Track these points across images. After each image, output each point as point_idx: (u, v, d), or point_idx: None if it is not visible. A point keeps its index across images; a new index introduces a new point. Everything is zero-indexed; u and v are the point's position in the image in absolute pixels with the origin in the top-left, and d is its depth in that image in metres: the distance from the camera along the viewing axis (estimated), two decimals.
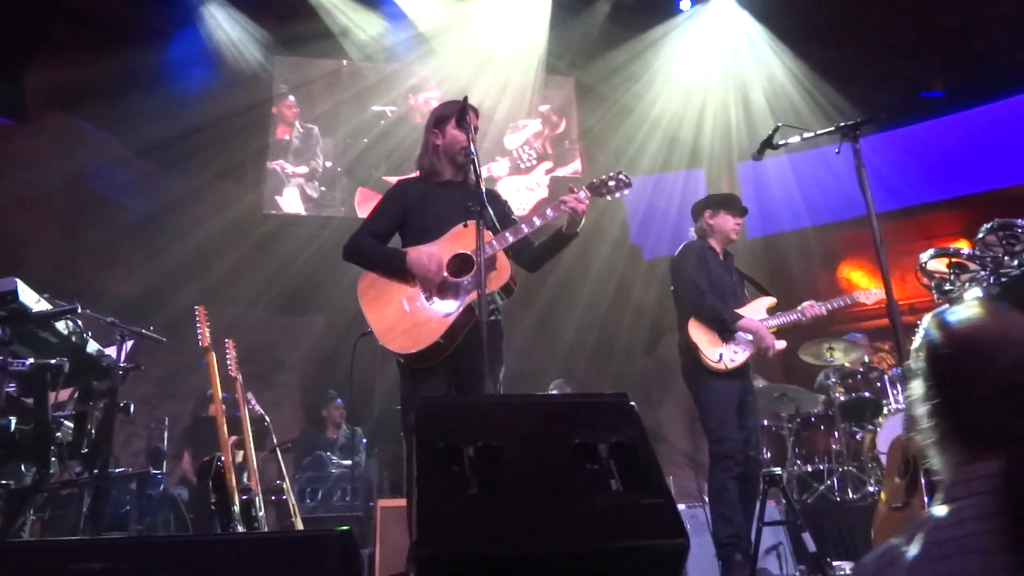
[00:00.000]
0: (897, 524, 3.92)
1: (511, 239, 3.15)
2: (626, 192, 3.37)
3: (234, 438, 6.13)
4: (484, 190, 3.06)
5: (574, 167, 10.12)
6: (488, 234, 3.06)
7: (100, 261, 7.53)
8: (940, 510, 1.10)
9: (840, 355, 6.71)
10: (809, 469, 6.44)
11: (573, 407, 2.05)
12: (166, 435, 6.57)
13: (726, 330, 4.27)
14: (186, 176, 8.43)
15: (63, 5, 8.39)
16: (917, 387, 1.29)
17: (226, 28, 9.15)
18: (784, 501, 4.06)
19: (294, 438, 7.30)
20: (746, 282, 4.72)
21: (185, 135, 8.14)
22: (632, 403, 2.08)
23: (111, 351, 3.81)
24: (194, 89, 8.73)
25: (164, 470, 6.17)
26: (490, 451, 1.85)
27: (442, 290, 3.13)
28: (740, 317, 4.27)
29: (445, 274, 3.15)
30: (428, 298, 3.15)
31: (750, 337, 4.25)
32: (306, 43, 9.41)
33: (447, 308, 3.11)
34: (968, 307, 1.34)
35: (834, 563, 4.26)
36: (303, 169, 9.62)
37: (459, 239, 3.22)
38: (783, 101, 9.36)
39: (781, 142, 3.74)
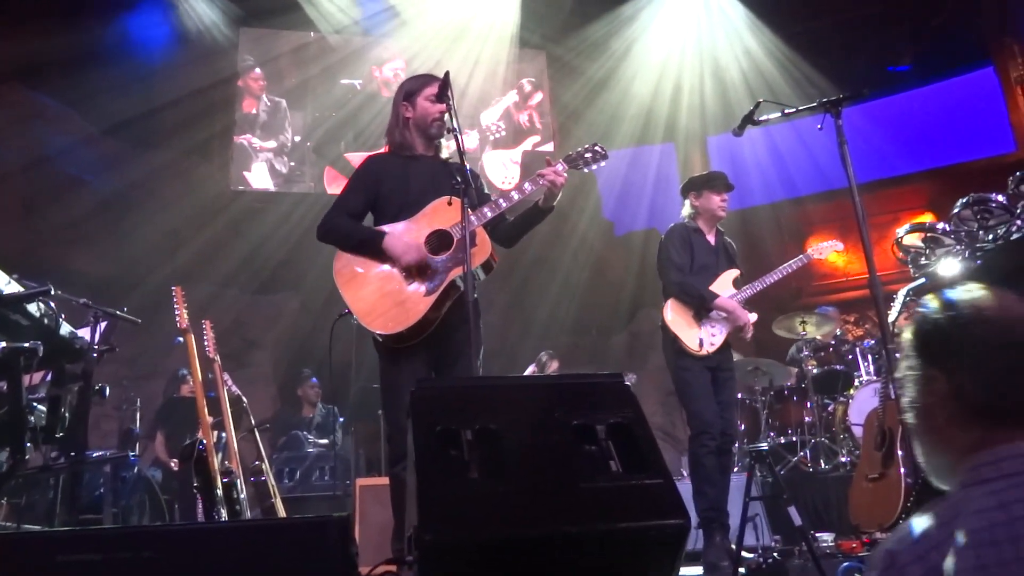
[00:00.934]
0: (874, 494, 4.00)
1: (490, 214, 3.12)
2: (603, 164, 3.37)
3: (211, 419, 6.09)
4: (468, 167, 3.03)
5: (548, 141, 10.08)
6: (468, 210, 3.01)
7: (65, 240, 7.34)
8: (974, 492, 1.06)
9: (812, 328, 6.80)
10: (782, 441, 6.56)
11: (570, 388, 2.03)
12: (138, 416, 6.47)
13: (704, 308, 4.29)
14: (152, 153, 8.23)
15: None
16: (912, 368, 1.23)
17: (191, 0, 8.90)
18: (768, 476, 4.10)
19: (270, 418, 7.25)
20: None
21: (150, 111, 7.95)
22: (628, 383, 2.08)
23: (84, 333, 3.72)
24: (158, 63, 8.50)
25: (137, 452, 6.08)
26: (488, 434, 1.84)
27: (422, 269, 3.08)
28: (716, 296, 4.29)
29: (423, 250, 3.10)
30: (407, 278, 3.10)
31: (724, 315, 4.29)
32: (273, 15, 9.20)
33: (427, 287, 3.06)
34: (968, 288, 1.27)
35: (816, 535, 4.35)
36: (271, 144, 9.44)
37: (436, 215, 3.17)
38: (755, 75, 9.38)
39: (762, 118, 3.73)
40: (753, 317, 4.36)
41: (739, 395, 6.79)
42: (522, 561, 1.66)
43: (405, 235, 3.15)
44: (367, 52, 9.71)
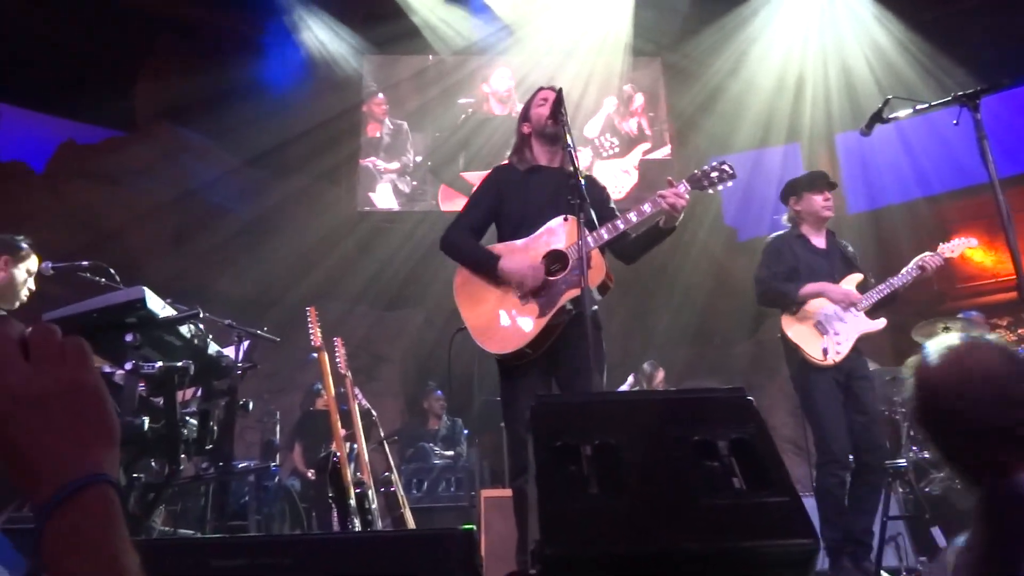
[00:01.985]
0: None
1: (607, 236, 3.08)
2: (730, 184, 3.18)
3: (343, 432, 6.38)
4: (583, 181, 3.00)
5: (664, 150, 9.96)
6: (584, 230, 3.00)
7: (210, 265, 7.90)
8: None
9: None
10: (926, 455, 6.15)
11: (690, 403, 2.01)
12: (278, 428, 6.85)
13: (794, 304, 4.11)
14: (286, 180, 8.75)
15: (166, 19, 8.80)
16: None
17: (318, 33, 9.41)
18: (909, 493, 3.88)
19: (398, 430, 7.49)
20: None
21: (283, 141, 8.45)
22: (750, 398, 2.03)
23: (229, 351, 3.99)
24: (290, 95, 9.04)
25: (277, 462, 6.44)
26: (607, 449, 1.84)
27: (537, 289, 3.10)
28: (801, 287, 4.09)
29: (543, 276, 3.11)
30: (522, 297, 3.13)
31: (842, 317, 4.05)
32: (394, 42, 9.59)
33: (540, 308, 3.08)
34: (943, 343, 1.36)
35: None
36: (395, 165, 9.81)
37: (554, 234, 3.19)
38: (884, 68, 8.92)
39: (892, 115, 3.55)
40: (881, 323, 4.13)
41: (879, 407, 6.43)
42: None
43: (521, 256, 3.18)
44: (483, 71, 9.94)
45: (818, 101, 9.54)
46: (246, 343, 4.06)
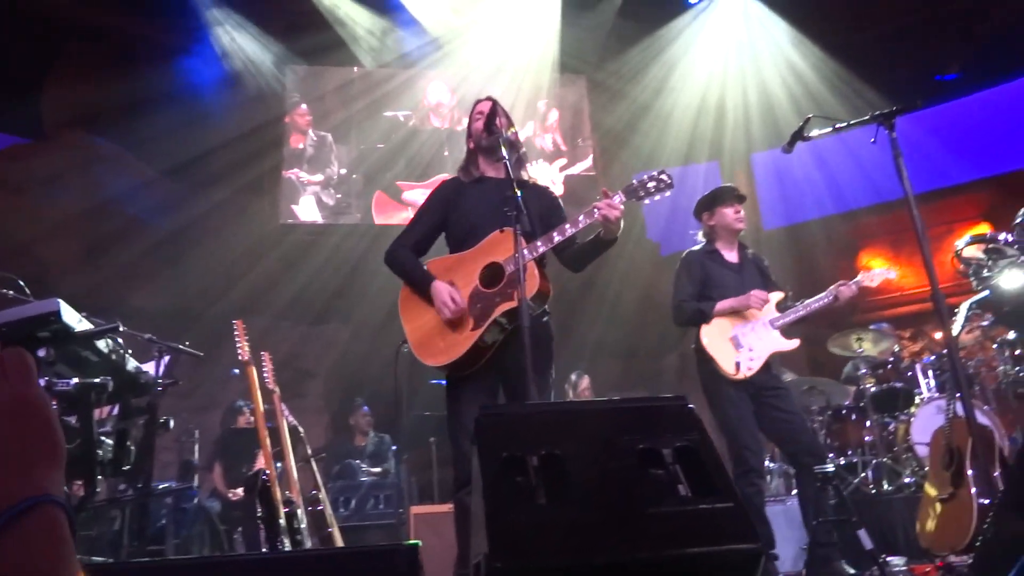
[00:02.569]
0: (944, 516, 3.88)
1: (542, 248, 3.10)
2: (667, 193, 3.13)
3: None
4: (521, 191, 3.00)
5: (583, 164, 10.10)
6: (521, 241, 3.01)
7: (125, 279, 7.58)
8: None
9: (869, 345, 6.64)
10: (842, 462, 6.38)
11: (633, 412, 2.02)
12: (196, 448, 6.60)
13: (705, 320, 4.20)
14: (207, 192, 8.47)
15: (76, 23, 8.43)
16: None
17: (239, 43, 9.19)
18: (835, 498, 3.99)
19: (323, 447, 7.33)
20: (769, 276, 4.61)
21: (204, 151, 8.19)
22: (691, 405, 2.06)
23: (148, 367, 3.82)
24: (211, 105, 8.77)
25: (195, 483, 6.20)
26: (554, 460, 1.84)
27: (473, 302, 3.11)
28: (713, 305, 4.19)
29: (477, 286, 3.12)
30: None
31: (758, 333, 4.16)
32: (318, 53, 9.45)
33: (474, 323, 3.10)
34: None
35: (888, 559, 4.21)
36: (318, 177, 9.64)
37: (495, 247, 3.19)
38: (800, 89, 9.31)
39: (812, 133, 3.70)
40: (795, 343, 4.24)
41: None
42: None
43: (456, 269, 3.19)
44: (411, 84, 9.89)
45: (737, 121, 9.87)
46: (167, 358, 3.90)
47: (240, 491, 6.39)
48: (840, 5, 9.46)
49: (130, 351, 3.50)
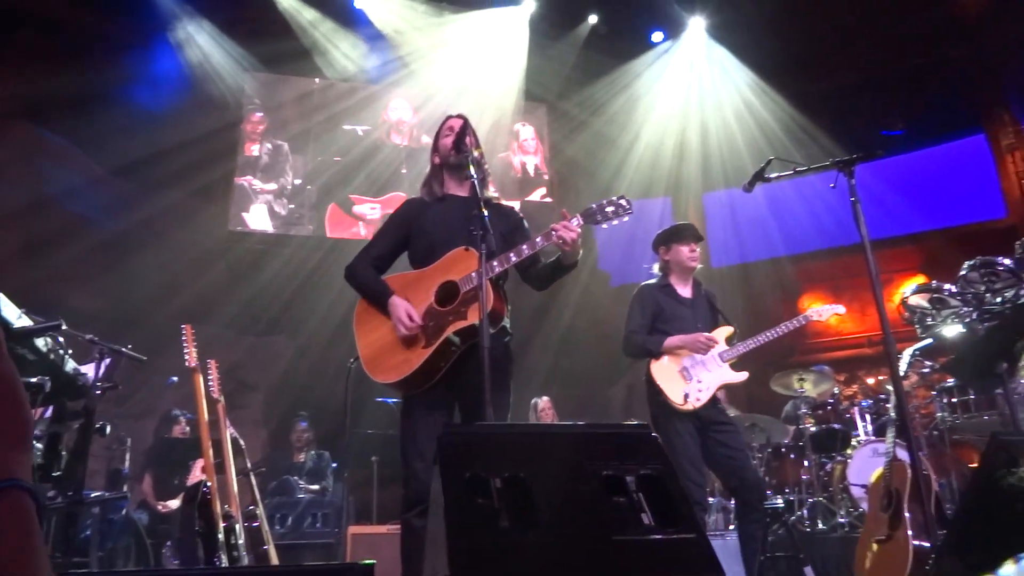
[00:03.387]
0: (880, 556, 3.95)
1: (498, 268, 3.07)
2: (626, 219, 3.10)
3: (202, 461, 5.99)
4: (487, 211, 2.98)
5: (541, 191, 10.18)
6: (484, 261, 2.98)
7: (65, 278, 7.28)
8: None
9: (810, 386, 6.78)
10: (779, 500, 6.48)
11: (598, 437, 2.01)
12: (127, 457, 6.35)
13: (655, 358, 4.24)
14: (156, 193, 8.23)
15: (29, 13, 8.17)
16: None
17: (200, 44, 9.04)
18: (779, 529, 4.03)
19: (259, 461, 7.12)
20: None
21: (156, 152, 7.97)
22: (655, 435, 2.06)
23: (87, 369, 3.68)
24: (165, 105, 8.56)
25: (126, 492, 5.95)
26: (517, 482, 1.81)
27: (426, 319, 3.08)
28: (662, 342, 4.23)
29: (432, 304, 3.09)
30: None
31: (707, 366, 4.21)
32: (281, 62, 9.36)
33: (427, 341, 3.06)
34: None
35: None
36: (272, 186, 9.49)
37: (453, 265, 3.16)
38: (757, 132, 9.59)
39: (772, 175, 3.78)
40: (743, 375, 4.29)
41: None
42: None
43: (414, 286, 3.16)
44: (373, 101, 9.84)
45: (693, 159, 10.09)
46: (107, 361, 3.75)
47: (172, 503, 6.17)
48: (799, 56, 9.81)
49: (70, 352, 3.37)
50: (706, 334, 4.24)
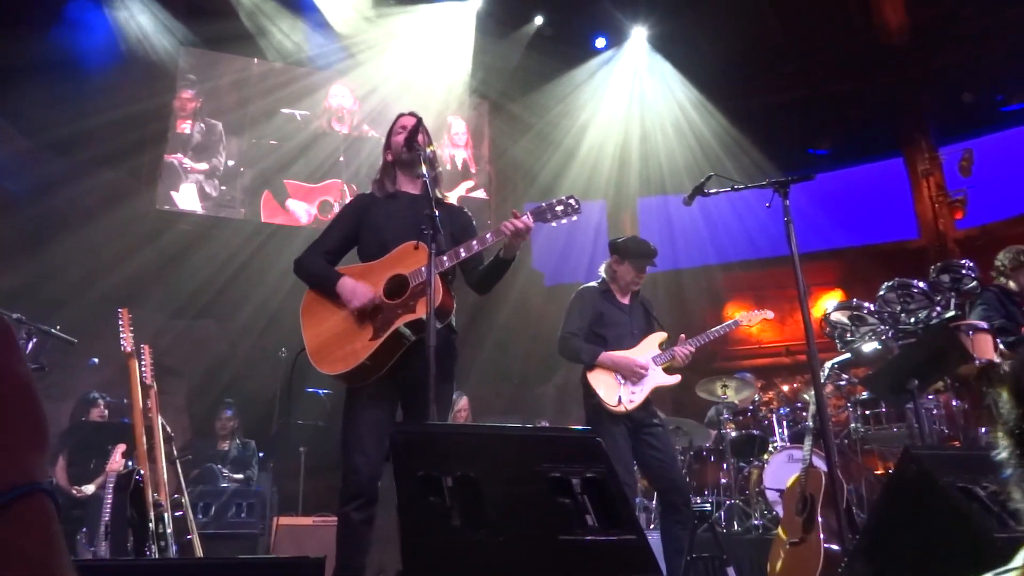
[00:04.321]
0: (793, 558, 4.16)
1: (448, 263, 3.12)
2: (574, 218, 3.20)
3: (123, 447, 5.82)
4: (438, 210, 3.03)
5: (468, 184, 10.23)
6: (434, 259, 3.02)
7: None
8: None
9: (732, 393, 7.02)
10: (699, 501, 6.70)
11: (545, 440, 2.09)
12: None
13: (587, 365, 4.34)
14: (80, 168, 7.91)
15: None
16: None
17: (135, 16, 8.74)
18: (706, 531, 4.18)
19: (181, 448, 6.95)
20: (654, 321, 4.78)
21: (84, 125, 7.67)
22: (599, 439, 2.14)
23: None
24: (96, 77, 8.24)
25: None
26: (468, 482, 1.87)
27: (374, 312, 3.11)
28: (598, 354, 4.32)
29: (379, 297, 3.12)
30: (359, 321, 3.13)
31: (639, 375, 4.33)
32: (221, 40, 9.12)
33: (373, 332, 3.08)
34: None
35: None
36: (203, 166, 9.24)
37: (402, 260, 3.20)
38: (692, 141, 9.86)
39: (711, 190, 3.93)
40: (676, 379, 4.42)
41: None
42: None
43: (363, 278, 3.18)
44: (315, 87, 9.69)
45: (630, 164, 10.31)
46: (33, 341, 3.64)
47: (87, 488, 5.98)
48: (735, 74, 10.15)
49: None
50: (639, 361, 4.33)
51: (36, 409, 0.71)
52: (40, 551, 0.64)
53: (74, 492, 6.05)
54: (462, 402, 7.55)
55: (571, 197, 3.22)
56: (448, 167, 10.10)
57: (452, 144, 10.28)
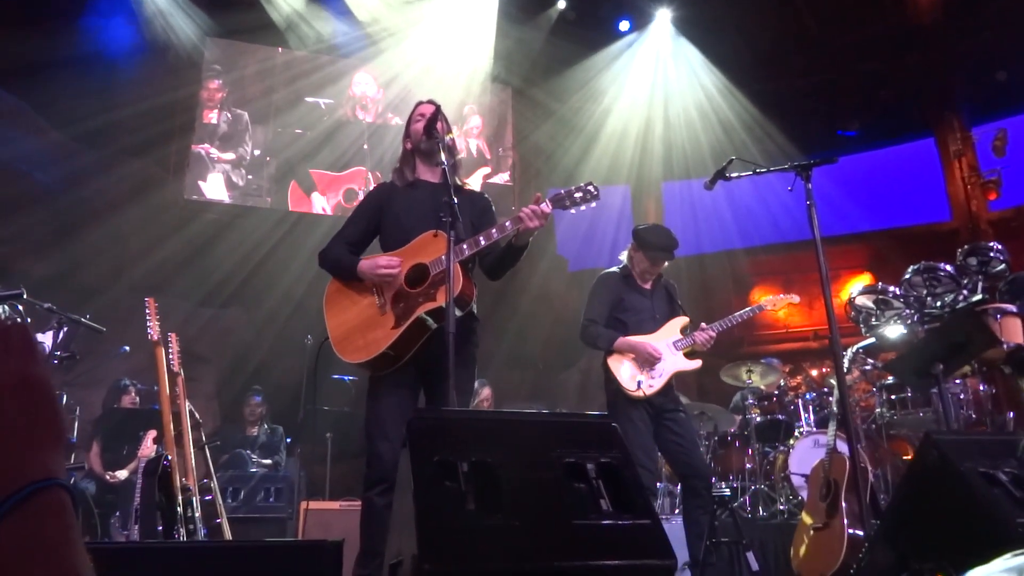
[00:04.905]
0: (816, 543, 4.14)
1: (468, 251, 3.12)
2: (593, 204, 3.18)
3: (153, 432, 5.95)
4: (457, 198, 3.03)
5: (504, 175, 10.23)
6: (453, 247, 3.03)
7: (11, 242, 7.10)
8: None
9: (758, 378, 6.99)
10: (723, 486, 6.69)
11: (561, 426, 2.10)
12: (76, 426, 6.26)
13: (607, 352, 4.31)
14: (111, 158, 8.05)
15: None
16: None
17: (161, 8, 8.83)
18: (728, 516, 4.17)
19: (210, 434, 7.07)
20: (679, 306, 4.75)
21: (113, 116, 7.80)
22: (615, 424, 2.15)
23: (43, 338, 3.64)
24: (123, 68, 8.37)
25: (73, 463, 5.87)
26: (484, 467, 1.89)
27: (396, 301, 3.13)
28: (615, 339, 4.29)
29: (401, 281, 3.13)
30: (381, 308, 3.15)
31: (661, 360, 4.29)
32: (246, 31, 9.20)
33: (397, 320, 3.10)
34: None
35: None
36: (229, 155, 9.35)
37: (423, 248, 3.21)
38: (717, 127, 9.76)
39: (733, 174, 3.89)
40: (697, 364, 4.38)
41: None
42: None
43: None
44: (338, 75, 9.74)
45: (654, 149, 10.23)
46: (64, 330, 3.72)
47: (121, 474, 6.12)
48: (761, 56, 10.02)
49: (28, 320, 3.33)
50: (654, 346, 4.31)
51: (53, 408, 0.74)
52: (57, 542, 0.67)
53: (108, 477, 6.19)
54: (485, 391, 7.57)
55: (589, 184, 3.20)
56: (463, 155, 10.11)
57: (467, 135, 10.28)
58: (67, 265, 7.33)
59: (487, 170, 10.16)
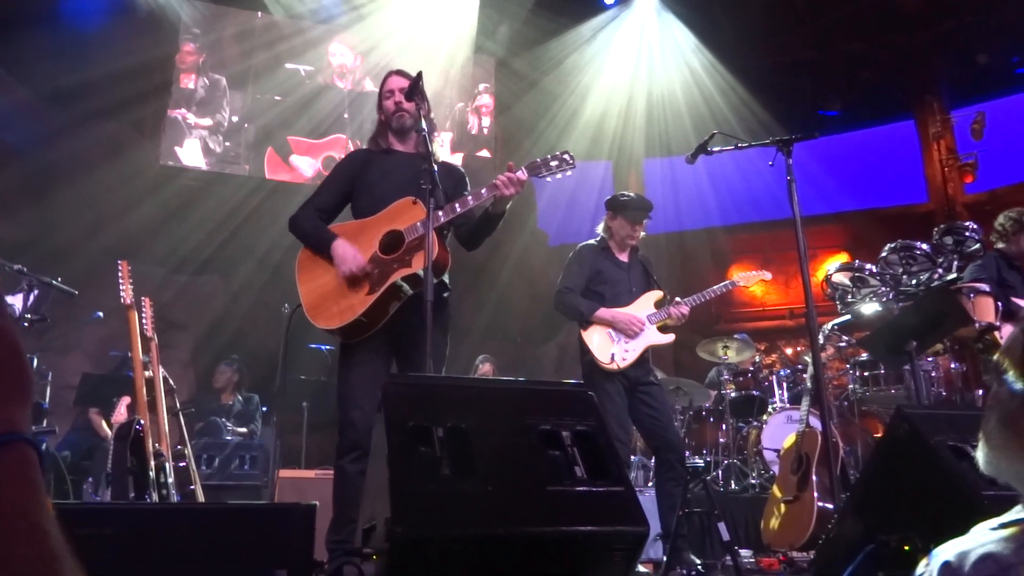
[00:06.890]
0: (787, 516, 4.21)
1: (443, 218, 3.11)
2: (568, 173, 3.21)
3: (127, 399, 5.89)
4: (435, 167, 3.03)
5: (487, 146, 10.17)
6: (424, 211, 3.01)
7: None
8: None
9: (733, 354, 7.05)
10: (697, 459, 6.77)
11: (536, 394, 2.10)
12: (48, 391, 6.18)
13: (585, 323, 4.32)
14: (83, 121, 7.86)
15: None
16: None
17: None
18: (702, 489, 4.21)
19: (185, 401, 7.02)
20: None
21: (86, 77, 7.60)
22: (591, 393, 2.15)
23: (13, 301, 3.58)
24: (99, 30, 8.15)
25: (45, 427, 5.80)
26: (459, 433, 1.89)
27: (370, 268, 3.11)
28: (596, 309, 4.30)
29: (370, 265, 3.10)
30: (355, 276, 3.13)
31: (636, 330, 4.31)
32: None
33: (372, 286, 3.08)
34: None
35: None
36: (207, 121, 9.18)
37: (398, 215, 3.19)
38: (700, 102, 9.73)
39: (715, 148, 3.90)
40: (670, 338, 4.40)
41: None
42: (489, 557, 1.71)
43: (358, 235, 3.18)
44: (318, 41, 9.57)
45: (636, 125, 10.19)
46: (35, 293, 3.65)
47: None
48: (745, 33, 9.97)
49: None
50: (639, 316, 4.32)
51: (19, 362, 0.71)
52: (20, 498, 0.65)
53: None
54: (485, 367, 7.56)
55: (565, 152, 3.23)
56: (474, 132, 10.04)
57: (477, 113, 10.19)
58: (37, 227, 7.20)
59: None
